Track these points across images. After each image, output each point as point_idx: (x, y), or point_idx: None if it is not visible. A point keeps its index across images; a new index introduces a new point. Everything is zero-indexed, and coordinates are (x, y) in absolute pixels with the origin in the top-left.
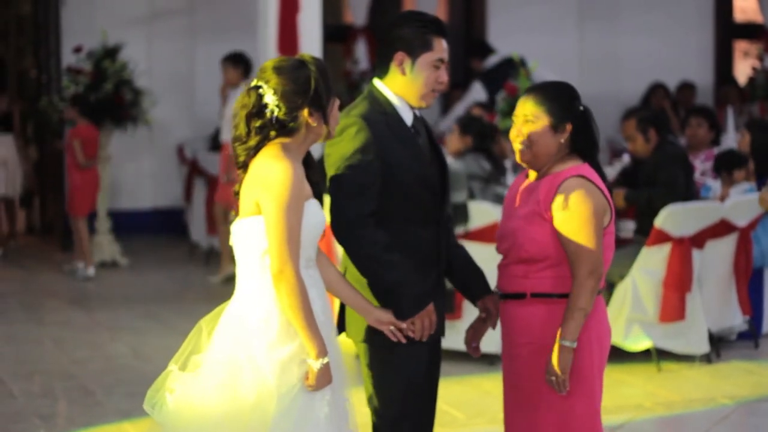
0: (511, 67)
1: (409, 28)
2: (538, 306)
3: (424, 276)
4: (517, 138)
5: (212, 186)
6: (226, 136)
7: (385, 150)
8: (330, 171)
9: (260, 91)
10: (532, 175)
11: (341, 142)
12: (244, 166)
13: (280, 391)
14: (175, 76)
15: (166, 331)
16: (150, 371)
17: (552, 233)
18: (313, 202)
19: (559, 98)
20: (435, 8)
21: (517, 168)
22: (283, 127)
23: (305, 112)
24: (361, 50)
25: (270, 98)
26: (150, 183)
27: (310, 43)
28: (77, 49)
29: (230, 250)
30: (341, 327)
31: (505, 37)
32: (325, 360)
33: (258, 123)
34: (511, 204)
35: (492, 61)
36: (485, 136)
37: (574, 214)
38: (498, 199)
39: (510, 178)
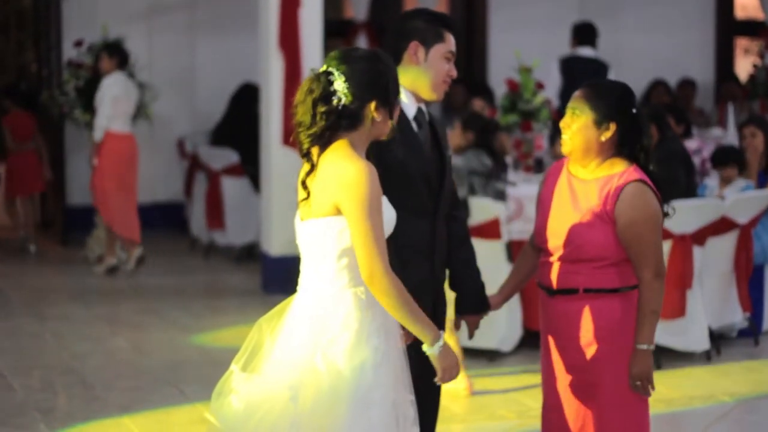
0: (595, 69)
1: (423, 20)
2: (591, 301)
3: (414, 268)
4: (563, 129)
5: (213, 180)
6: (101, 122)
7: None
8: None
9: (330, 77)
10: (579, 171)
11: None
12: (308, 155)
13: (355, 395)
14: (175, 71)
15: (166, 325)
16: (150, 365)
17: (613, 236)
18: (384, 199)
19: (607, 96)
20: (436, 3)
21: (517, 164)
22: (348, 117)
23: (372, 105)
24: (362, 45)
25: (339, 85)
26: (150, 177)
27: (311, 38)
28: (78, 43)
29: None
30: None
31: (506, 34)
32: (441, 343)
33: (323, 109)
34: (550, 199)
35: (583, 52)
36: (487, 132)
37: (639, 220)
38: (499, 195)
39: (511, 175)
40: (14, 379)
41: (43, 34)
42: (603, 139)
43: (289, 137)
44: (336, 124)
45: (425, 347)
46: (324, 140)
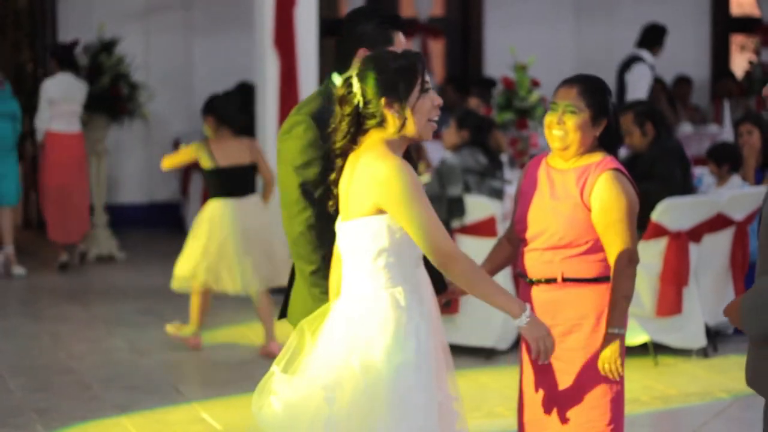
0: (633, 62)
1: (371, 24)
2: (570, 290)
3: None
4: (556, 125)
5: None
6: (38, 124)
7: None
8: (279, 167)
9: (350, 79)
10: (557, 162)
11: (290, 139)
12: (343, 154)
13: (395, 397)
14: (171, 70)
15: (163, 325)
16: (147, 365)
17: (589, 222)
18: None
19: (600, 93)
20: (433, 2)
21: (513, 162)
22: (369, 117)
23: (382, 102)
24: None
25: (355, 86)
26: (147, 177)
27: (307, 37)
28: (74, 43)
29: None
30: (283, 313)
31: (502, 31)
32: (527, 313)
33: (348, 110)
34: (533, 189)
35: (637, 53)
36: (481, 129)
37: (613, 206)
38: (494, 193)
39: (507, 172)
40: (11, 379)
41: (39, 34)
42: (597, 134)
43: None
44: (357, 123)
45: (513, 320)
46: (351, 139)
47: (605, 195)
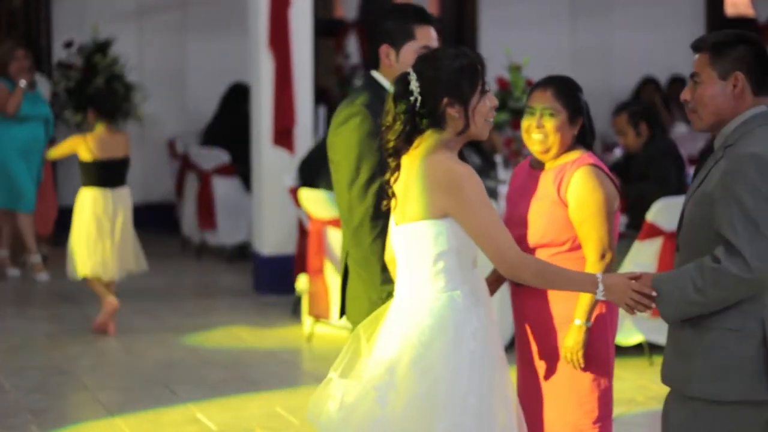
0: None
1: (392, 21)
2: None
3: None
4: (536, 129)
5: (204, 181)
6: None
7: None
8: (335, 159)
9: (408, 77)
10: (538, 164)
11: (346, 131)
12: (396, 154)
13: (450, 400)
14: (166, 71)
15: (158, 326)
16: (142, 366)
17: (567, 219)
18: None
19: (573, 92)
20: (427, 2)
21: (507, 162)
22: (426, 116)
23: (444, 101)
24: (352, 45)
25: (413, 84)
26: (141, 178)
27: (301, 37)
28: (68, 44)
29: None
30: (342, 311)
31: (496, 32)
32: (600, 288)
33: (402, 107)
34: (520, 191)
35: None
36: None
37: (587, 202)
38: (489, 194)
39: (500, 172)
40: (6, 380)
41: (33, 35)
42: (575, 133)
43: (279, 137)
44: (414, 122)
45: (597, 297)
46: (405, 139)
47: (580, 189)
